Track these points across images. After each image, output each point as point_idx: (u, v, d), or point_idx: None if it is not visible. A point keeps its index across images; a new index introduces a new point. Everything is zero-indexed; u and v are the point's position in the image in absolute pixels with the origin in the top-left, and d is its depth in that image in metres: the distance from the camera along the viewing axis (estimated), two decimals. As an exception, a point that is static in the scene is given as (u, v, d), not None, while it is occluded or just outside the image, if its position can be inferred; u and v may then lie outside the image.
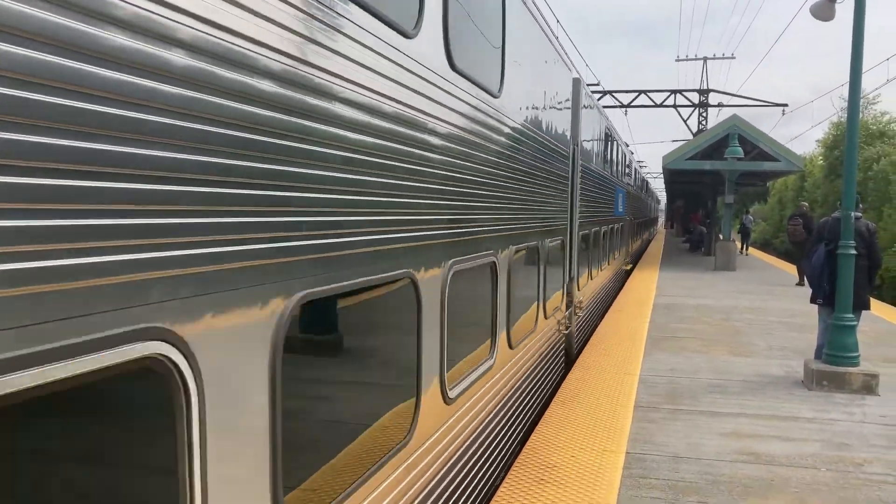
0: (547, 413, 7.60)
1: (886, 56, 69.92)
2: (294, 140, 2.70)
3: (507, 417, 6.31)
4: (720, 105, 39.12)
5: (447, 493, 4.70)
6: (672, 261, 28.55)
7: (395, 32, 3.55)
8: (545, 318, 8.17)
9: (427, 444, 4.31)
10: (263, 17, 2.47)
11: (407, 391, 4.06)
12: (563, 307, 9.56)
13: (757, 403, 8.11)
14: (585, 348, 10.86)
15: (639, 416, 7.53)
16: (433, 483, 4.42)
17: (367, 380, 3.67)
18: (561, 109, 8.74)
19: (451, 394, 4.68)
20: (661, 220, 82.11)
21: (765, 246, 56.63)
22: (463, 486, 5.04)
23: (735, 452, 6.53)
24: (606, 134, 14.18)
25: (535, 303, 7.61)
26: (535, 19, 7.03)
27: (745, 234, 37.14)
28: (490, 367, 5.71)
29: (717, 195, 32.08)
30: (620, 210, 18.13)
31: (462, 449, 4.99)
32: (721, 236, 26.15)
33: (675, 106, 37.15)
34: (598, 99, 33.90)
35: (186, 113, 2.11)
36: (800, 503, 5.47)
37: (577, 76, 10.19)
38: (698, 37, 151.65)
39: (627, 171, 21.70)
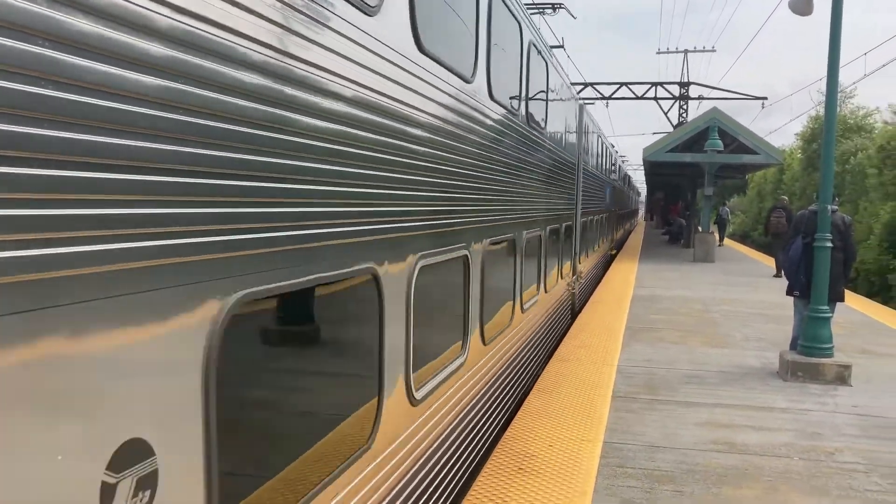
0: (526, 402, 7.66)
1: (864, 51, 70.52)
2: (229, 122, 2.36)
3: (546, 330, 9.79)
4: (700, 98, 39.24)
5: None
6: (651, 252, 28.71)
7: (357, 11, 3.36)
8: (561, 279, 11.41)
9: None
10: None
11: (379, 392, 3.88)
12: (571, 274, 12.71)
13: (732, 394, 8.21)
14: (565, 339, 10.96)
15: (616, 406, 7.60)
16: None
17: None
18: (571, 132, 11.70)
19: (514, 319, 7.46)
20: (642, 211, 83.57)
21: (743, 238, 57.03)
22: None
23: (710, 442, 6.62)
24: (600, 142, 17.43)
25: (556, 267, 10.61)
26: (560, 74, 10.40)
27: (721, 225, 37.44)
28: (537, 301, 9.06)
29: (697, 187, 32.24)
30: (608, 203, 21.32)
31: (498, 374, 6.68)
32: (700, 228, 26.31)
33: (655, 98, 37.31)
34: (579, 91, 34.15)
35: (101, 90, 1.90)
36: (772, 491, 5.56)
37: (582, 103, 13.60)
38: (679, 29, 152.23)
39: (613, 168, 24.65)
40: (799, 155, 48.35)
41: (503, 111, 6.55)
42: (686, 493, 5.49)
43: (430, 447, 4.76)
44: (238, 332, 2.47)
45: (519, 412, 7.31)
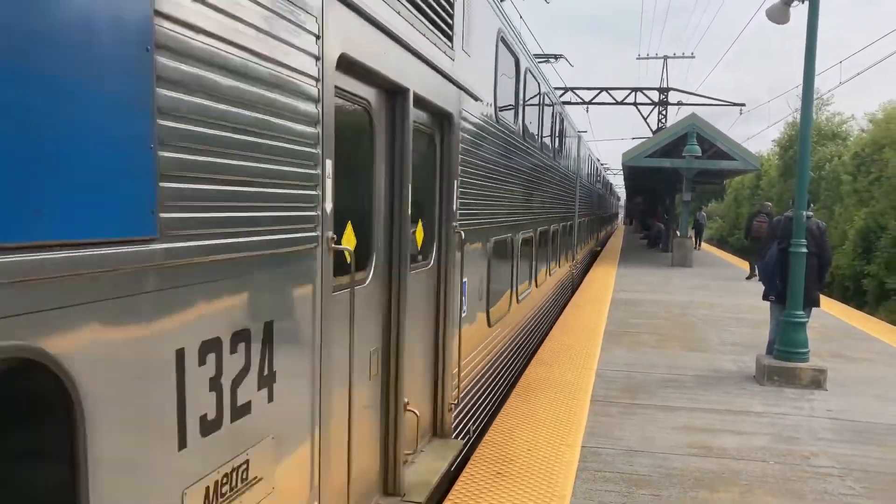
0: (505, 406, 7.67)
1: (839, 59, 71.37)
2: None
3: (562, 286, 14.61)
4: (679, 103, 39.60)
5: None
6: (631, 257, 28.88)
7: None
8: (566, 261, 15.66)
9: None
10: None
11: None
12: (571, 260, 16.85)
13: (710, 398, 8.27)
14: (543, 343, 11.01)
15: (595, 410, 7.64)
16: None
17: None
18: (573, 157, 16.50)
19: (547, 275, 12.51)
20: (622, 215, 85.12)
21: (721, 243, 57.49)
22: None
23: (688, 446, 6.66)
24: (591, 160, 22.83)
25: (565, 252, 15.03)
26: (571, 123, 14.92)
27: (698, 230, 37.87)
28: (555, 272, 13.17)
29: (675, 192, 32.44)
30: (596, 208, 27.45)
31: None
32: (678, 233, 26.51)
33: (635, 104, 37.52)
34: (560, 96, 34.33)
35: None
36: (749, 495, 5.61)
37: (583, 132, 19.19)
38: (659, 35, 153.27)
39: (599, 179, 30.49)
40: (776, 161, 48.84)
41: (543, 153, 11.24)
42: (663, 496, 5.53)
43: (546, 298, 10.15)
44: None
45: (499, 415, 7.33)
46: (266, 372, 2.73)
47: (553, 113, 12.38)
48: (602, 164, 41.17)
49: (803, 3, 9.22)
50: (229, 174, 2.43)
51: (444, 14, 5.01)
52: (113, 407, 1.98)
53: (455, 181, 5.56)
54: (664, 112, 38.95)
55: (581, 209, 18.63)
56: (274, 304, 2.82)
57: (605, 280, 19.63)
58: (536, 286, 10.90)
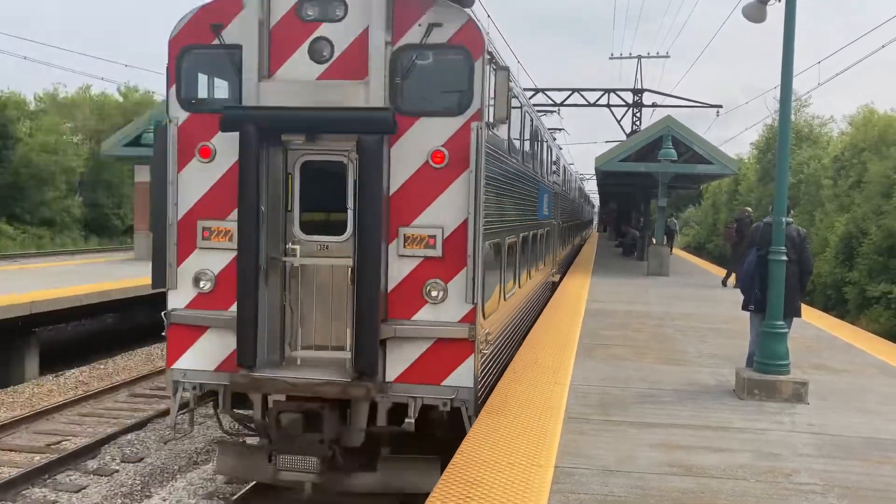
0: (475, 425, 7.63)
1: (818, 59, 72.64)
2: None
3: (547, 277, 18.63)
4: (654, 105, 39.94)
5: None
6: (604, 265, 29.09)
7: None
8: (551, 263, 18.97)
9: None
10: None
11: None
12: (552, 262, 19.48)
13: (688, 413, 8.31)
14: (515, 358, 11.04)
15: (569, 427, 7.62)
16: None
17: None
18: (556, 173, 20.22)
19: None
20: (596, 222, 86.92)
21: (698, 250, 58.07)
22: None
23: (665, 465, 6.67)
24: (566, 172, 25.88)
25: (549, 252, 18.23)
26: (560, 154, 21.98)
27: (669, 236, 38.48)
28: (543, 273, 16.86)
29: (651, 198, 32.63)
30: (572, 215, 30.71)
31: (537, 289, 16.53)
32: (654, 240, 26.72)
33: (608, 105, 37.84)
34: (531, 97, 34.70)
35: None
36: (729, 516, 5.61)
37: (561, 151, 24.62)
38: (632, 34, 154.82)
39: (573, 187, 32.80)
40: (754, 165, 49.49)
41: (537, 176, 14.98)
42: (640, 519, 5.51)
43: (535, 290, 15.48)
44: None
45: (467, 437, 7.29)
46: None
47: (541, 137, 15.96)
48: (575, 170, 44.23)
49: (780, 1, 9.33)
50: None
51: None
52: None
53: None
54: (638, 114, 39.30)
55: (560, 219, 22.28)
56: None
57: (578, 290, 19.71)
58: (529, 277, 14.43)
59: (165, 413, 12.26)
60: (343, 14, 8.32)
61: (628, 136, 35.16)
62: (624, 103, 38.68)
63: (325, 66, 8.38)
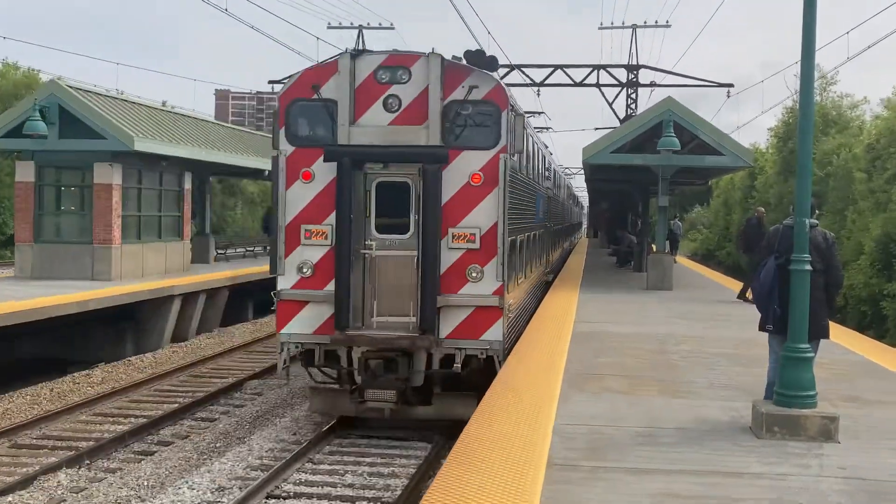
0: (439, 476, 7.65)
1: (846, 29, 73.76)
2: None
3: (542, 273, 26.13)
4: (653, 84, 40.21)
5: None
6: (596, 278, 29.33)
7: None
8: (546, 262, 26.49)
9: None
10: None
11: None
12: (545, 263, 24.58)
13: (695, 457, 8.38)
14: (490, 388, 11.10)
15: (553, 476, 7.66)
16: None
17: None
18: (548, 179, 27.00)
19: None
20: (585, 225, 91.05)
21: (707, 258, 58.60)
22: None
23: (668, 519, 6.71)
24: (556, 176, 33.96)
25: (545, 252, 25.55)
26: (560, 172, 40.81)
27: (673, 241, 38.64)
28: (540, 268, 24.26)
29: (650, 196, 32.86)
30: (561, 218, 37.51)
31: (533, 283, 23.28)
32: (654, 247, 26.95)
33: (598, 85, 38.07)
34: (504, 76, 35.38)
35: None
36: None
37: (553, 159, 37.83)
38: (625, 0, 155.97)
39: (561, 190, 39.76)
40: (773, 156, 50.01)
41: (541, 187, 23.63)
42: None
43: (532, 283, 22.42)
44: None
45: (430, 488, 7.30)
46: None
47: (536, 149, 21.91)
48: (561, 168, 47.51)
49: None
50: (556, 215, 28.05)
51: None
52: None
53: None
54: (634, 95, 39.60)
55: (552, 222, 28.82)
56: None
57: (564, 308, 19.82)
58: (532, 270, 20.66)
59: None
60: (408, 79, 15.08)
61: (622, 121, 35.42)
62: (616, 82, 38.88)
63: (395, 115, 15.04)
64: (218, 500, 12.37)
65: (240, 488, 12.69)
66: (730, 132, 26.35)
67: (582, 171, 38.82)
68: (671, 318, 18.91)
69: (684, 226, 62.74)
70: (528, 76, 37.45)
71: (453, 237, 14.97)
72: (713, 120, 34.36)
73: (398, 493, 12.58)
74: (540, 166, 24.08)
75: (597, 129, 51.05)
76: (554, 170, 33.90)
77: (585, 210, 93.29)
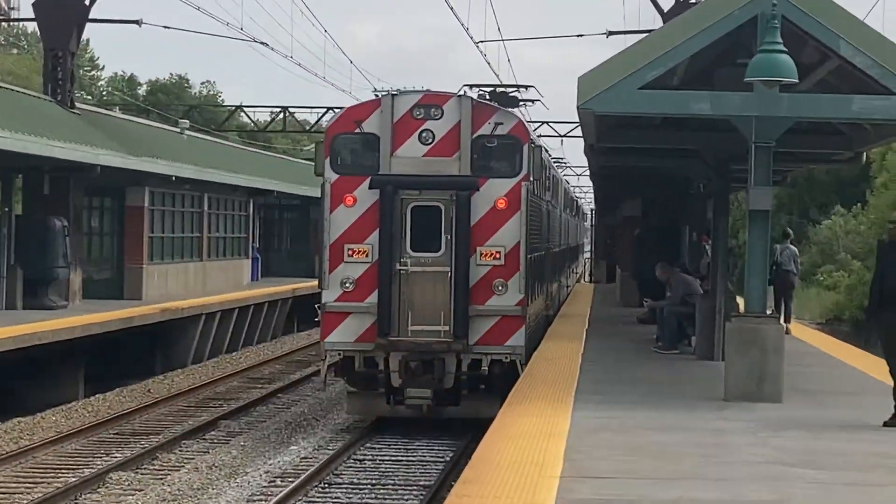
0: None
1: None
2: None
3: (559, 286, 79.74)
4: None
5: None
6: (611, 376, 30.37)
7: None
8: (567, 284, 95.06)
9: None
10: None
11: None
12: (562, 288, 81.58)
13: None
14: None
15: None
16: None
17: None
18: (557, 199, 71.13)
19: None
20: (589, 249, 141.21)
21: (859, 328, 58.54)
22: None
23: None
24: (565, 193, 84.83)
25: (561, 270, 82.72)
26: (574, 194, 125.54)
27: (784, 287, 39.23)
28: (545, 295, 63.72)
29: (728, 189, 32.76)
30: (564, 236, 77.97)
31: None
32: (740, 303, 26.36)
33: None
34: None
35: None
36: None
37: (581, 199, 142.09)
38: None
39: (567, 196, 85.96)
40: None
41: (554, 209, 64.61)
42: None
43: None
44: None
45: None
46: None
47: (554, 180, 58.16)
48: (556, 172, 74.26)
49: None
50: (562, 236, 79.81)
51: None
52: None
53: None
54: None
55: (556, 243, 59.13)
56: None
57: (539, 445, 19.77)
58: (543, 289, 51.49)
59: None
60: (441, 115, 35.36)
61: (666, 18, 35.24)
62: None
63: (429, 147, 35.55)
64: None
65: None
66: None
67: (582, 138, 39.40)
68: (778, 465, 18.76)
69: (806, 255, 62.53)
70: None
71: (481, 255, 32.63)
72: (868, 19, 33.82)
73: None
74: (561, 198, 57.02)
75: (611, 34, 53.26)
76: (560, 182, 73.63)
77: (588, 223, 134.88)
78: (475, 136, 30.67)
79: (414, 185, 31.73)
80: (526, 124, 29.38)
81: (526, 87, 51.78)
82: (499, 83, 64.51)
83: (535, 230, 34.33)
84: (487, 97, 35.87)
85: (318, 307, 30.47)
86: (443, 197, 31.84)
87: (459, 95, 29.33)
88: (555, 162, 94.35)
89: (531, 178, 33.39)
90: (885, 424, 22.47)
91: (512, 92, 48.42)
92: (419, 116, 32.27)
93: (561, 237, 75.80)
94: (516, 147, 31.09)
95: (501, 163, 33.08)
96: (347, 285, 31.15)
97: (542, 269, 46.21)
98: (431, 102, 29.98)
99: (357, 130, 31.77)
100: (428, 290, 32.49)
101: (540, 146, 32.92)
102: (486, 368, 31.90)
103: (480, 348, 31.56)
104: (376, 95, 28.69)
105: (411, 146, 31.59)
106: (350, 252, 31.84)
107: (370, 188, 30.93)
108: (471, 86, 43.03)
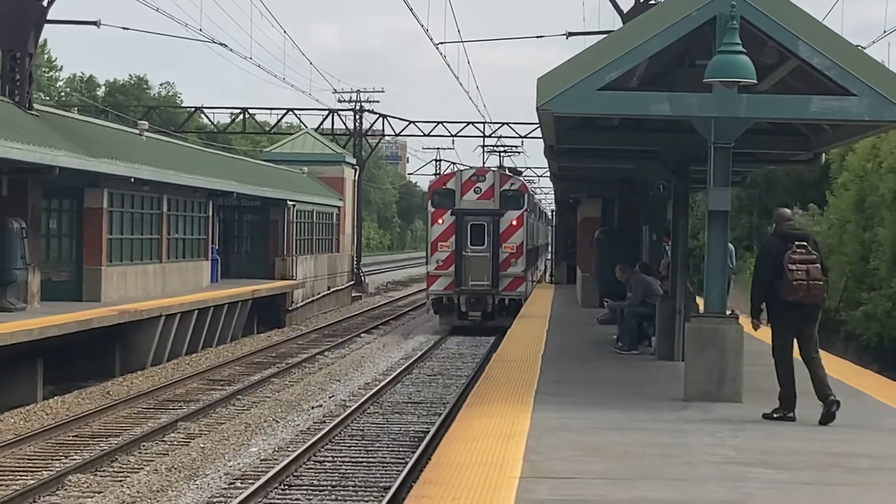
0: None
1: None
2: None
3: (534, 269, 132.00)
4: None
5: None
6: (570, 376, 30.26)
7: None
8: (541, 268, 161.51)
9: None
10: None
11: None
12: (538, 270, 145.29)
13: None
14: None
15: None
16: None
17: None
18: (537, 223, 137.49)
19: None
20: (551, 251, 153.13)
21: (823, 326, 58.58)
22: None
23: None
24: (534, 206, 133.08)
25: (535, 261, 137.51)
26: (545, 212, 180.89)
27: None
28: (538, 272, 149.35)
29: (683, 191, 32.88)
30: (541, 240, 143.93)
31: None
32: (700, 302, 26.53)
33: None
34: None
35: None
36: None
37: (552, 221, 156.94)
38: None
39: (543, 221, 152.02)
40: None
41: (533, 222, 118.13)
42: None
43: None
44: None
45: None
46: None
47: (536, 207, 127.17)
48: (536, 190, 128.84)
49: None
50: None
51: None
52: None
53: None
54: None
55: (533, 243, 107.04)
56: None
57: (498, 445, 19.78)
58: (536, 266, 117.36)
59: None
60: (484, 179, 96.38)
61: (626, 19, 35.16)
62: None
63: (478, 195, 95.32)
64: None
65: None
66: (863, 45, 25.80)
67: (542, 142, 39.31)
68: (740, 465, 18.89)
69: (737, 252, 62.78)
70: None
71: (504, 248, 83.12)
72: (827, 20, 33.96)
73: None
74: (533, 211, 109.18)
75: (570, 35, 53.90)
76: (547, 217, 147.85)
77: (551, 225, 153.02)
78: (501, 189, 69.92)
79: (471, 213, 71.75)
80: (525, 184, 64.52)
81: (521, 170, 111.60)
82: (512, 165, 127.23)
83: (529, 236, 75.31)
84: (507, 170, 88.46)
85: (428, 273, 78.37)
86: (486, 219, 72.82)
87: (493, 170, 68.58)
88: (526, 179, 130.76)
89: (527, 210, 74.17)
90: (766, 416, 23.44)
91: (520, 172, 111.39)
92: (474, 180, 74.47)
93: (537, 239, 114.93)
94: (521, 196, 72.97)
95: (514, 203, 74.51)
96: (440, 262, 72.42)
97: (533, 256, 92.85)
98: (480, 173, 69.37)
99: (444, 186, 74.76)
100: (478, 264, 74.29)
101: (532, 194, 61.61)
102: (507, 302, 73.44)
103: (504, 293, 73.52)
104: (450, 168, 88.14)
105: (470, 195, 71.58)
106: (441, 246, 72.87)
107: (451, 215, 70.94)
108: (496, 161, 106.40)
